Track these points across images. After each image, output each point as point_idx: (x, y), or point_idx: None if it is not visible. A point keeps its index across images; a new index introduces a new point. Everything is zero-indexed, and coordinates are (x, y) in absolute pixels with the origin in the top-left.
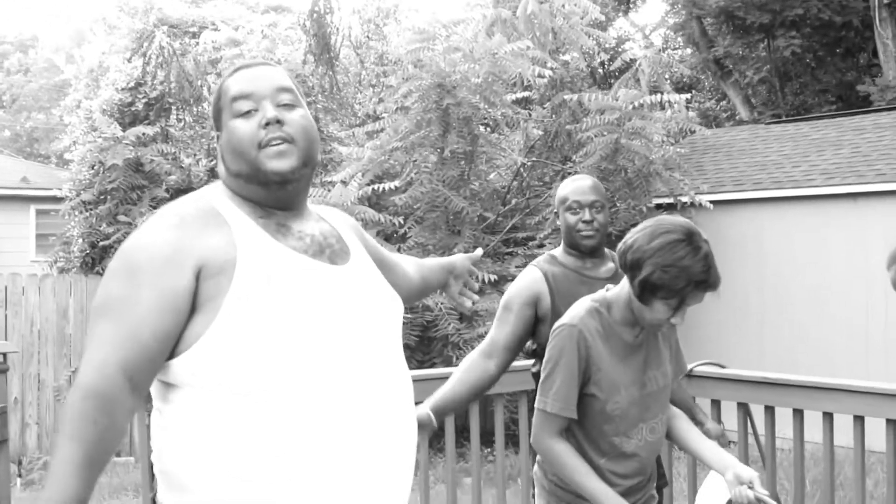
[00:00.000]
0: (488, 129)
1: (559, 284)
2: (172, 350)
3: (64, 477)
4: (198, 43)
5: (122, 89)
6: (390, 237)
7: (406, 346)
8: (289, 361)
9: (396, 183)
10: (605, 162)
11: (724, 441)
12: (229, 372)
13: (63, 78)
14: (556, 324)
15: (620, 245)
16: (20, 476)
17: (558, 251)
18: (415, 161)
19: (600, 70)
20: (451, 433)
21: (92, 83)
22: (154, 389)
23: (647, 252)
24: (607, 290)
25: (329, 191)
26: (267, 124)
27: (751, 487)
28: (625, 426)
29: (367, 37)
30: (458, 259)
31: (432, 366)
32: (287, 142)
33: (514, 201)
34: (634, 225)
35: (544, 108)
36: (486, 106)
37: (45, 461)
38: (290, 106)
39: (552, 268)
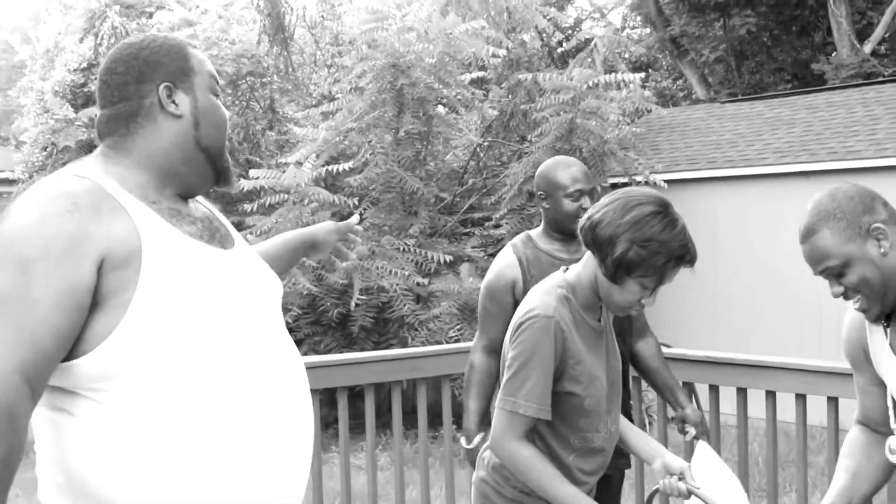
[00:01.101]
0: (445, 109)
1: (532, 268)
2: (71, 351)
3: None
4: (153, 24)
5: (75, 70)
6: (345, 218)
7: (362, 328)
8: (202, 353)
9: (351, 164)
10: (560, 142)
11: (702, 428)
12: (144, 370)
13: (20, 59)
14: (525, 313)
15: (584, 220)
16: None
17: (536, 232)
18: (370, 142)
19: (558, 50)
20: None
21: (47, 64)
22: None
23: (620, 227)
24: (565, 272)
25: (283, 172)
26: None
27: (681, 478)
28: (597, 420)
29: (322, 17)
30: (320, 231)
31: (388, 346)
32: None
33: (471, 181)
34: None
35: (501, 88)
36: (441, 86)
37: None
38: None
39: (527, 251)
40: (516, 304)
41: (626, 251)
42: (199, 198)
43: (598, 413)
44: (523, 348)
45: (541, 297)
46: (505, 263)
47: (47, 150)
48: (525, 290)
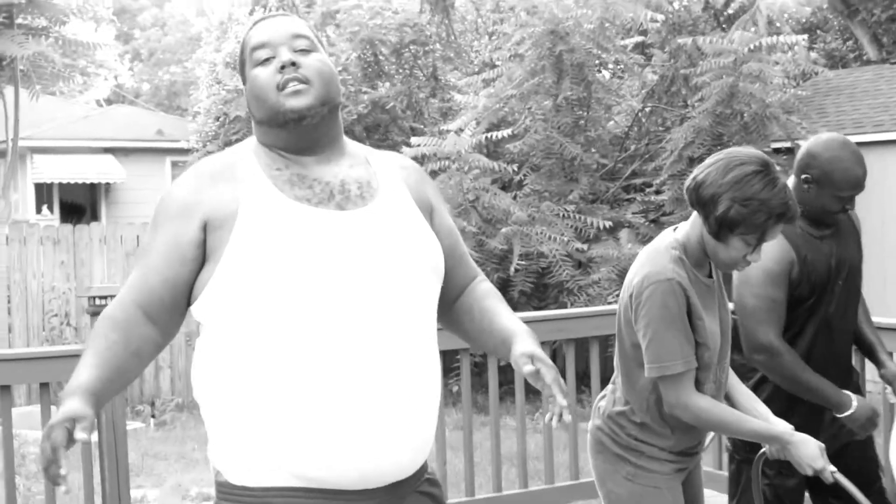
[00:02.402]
0: (609, 74)
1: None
2: (189, 296)
3: (76, 373)
4: None
5: None
6: (507, 185)
7: (522, 293)
8: (276, 304)
9: (511, 131)
10: (720, 106)
11: None
12: (228, 316)
13: (196, 31)
14: (643, 278)
15: (689, 181)
16: (153, 417)
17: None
18: (529, 108)
19: (726, 12)
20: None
21: (221, 36)
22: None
23: (722, 186)
24: (674, 230)
25: (444, 139)
26: (282, 67)
27: None
28: (710, 372)
29: None
30: (516, 351)
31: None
32: (303, 82)
33: (632, 147)
34: None
35: (665, 53)
36: (600, 52)
37: (177, 402)
38: (305, 51)
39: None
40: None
41: (728, 209)
42: (387, 159)
43: (712, 365)
44: (653, 314)
45: (657, 259)
46: (784, 249)
47: (219, 120)
48: (801, 273)
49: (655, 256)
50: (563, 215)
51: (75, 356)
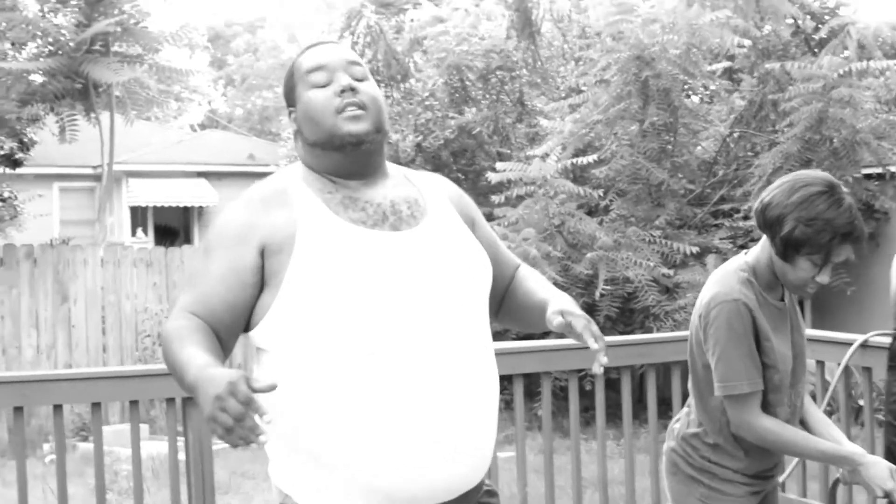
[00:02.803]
0: (698, 100)
1: None
2: (248, 321)
3: (190, 360)
4: (405, 21)
5: None
6: (593, 210)
7: (607, 318)
8: (342, 327)
9: (597, 156)
10: (809, 132)
11: None
12: (293, 339)
13: (288, 56)
14: (710, 299)
15: (757, 203)
16: None
17: None
18: (615, 134)
19: (815, 37)
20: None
21: None
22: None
23: (787, 207)
24: (745, 254)
25: (529, 164)
26: (342, 91)
27: None
28: (783, 395)
29: (569, 10)
30: (549, 311)
31: None
32: (361, 108)
33: (721, 173)
34: None
35: (754, 78)
36: (686, 77)
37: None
38: (360, 79)
39: None
40: None
41: (793, 229)
42: (429, 180)
43: (784, 388)
44: (719, 334)
45: (725, 280)
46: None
47: None
48: None
49: (724, 278)
50: (650, 240)
51: (165, 375)
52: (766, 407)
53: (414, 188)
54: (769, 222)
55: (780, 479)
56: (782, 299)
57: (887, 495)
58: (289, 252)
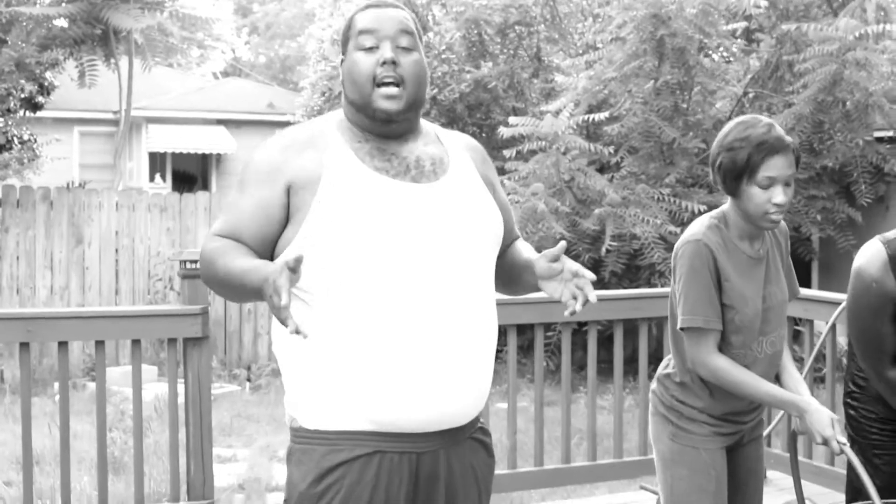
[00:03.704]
0: (714, 58)
1: None
2: (272, 253)
3: (241, 267)
4: None
5: None
6: (604, 167)
7: (613, 273)
8: (355, 264)
9: (609, 113)
10: (823, 93)
11: None
12: (309, 272)
13: (310, 6)
14: (680, 241)
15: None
16: (249, 381)
17: None
18: (629, 91)
19: None
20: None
21: (335, 12)
22: None
23: (716, 147)
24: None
25: (542, 120)
26: (383, 63)
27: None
28: (749, 338)
29: None
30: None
31: None
32: (398, 85)
33: None
34: (852, 158)
35: (772, 38)
36: (702, 36)
37: (273, 368)
38: (407, 49)
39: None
40: None
41: (720, 162)
42: (454, 138)
43: (749, 331)
44: (682, 272)
45: (693, 227)
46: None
47: (325, 95)
48: None
49: (696, 224)
50: (658, 198)
51: (166, 315)
52: (728, 347)
53: (442, 147)
54: (712, 169)
55: (765, 432)
56: (760, 249)
57: (825, 442)
58: (312, 191)
